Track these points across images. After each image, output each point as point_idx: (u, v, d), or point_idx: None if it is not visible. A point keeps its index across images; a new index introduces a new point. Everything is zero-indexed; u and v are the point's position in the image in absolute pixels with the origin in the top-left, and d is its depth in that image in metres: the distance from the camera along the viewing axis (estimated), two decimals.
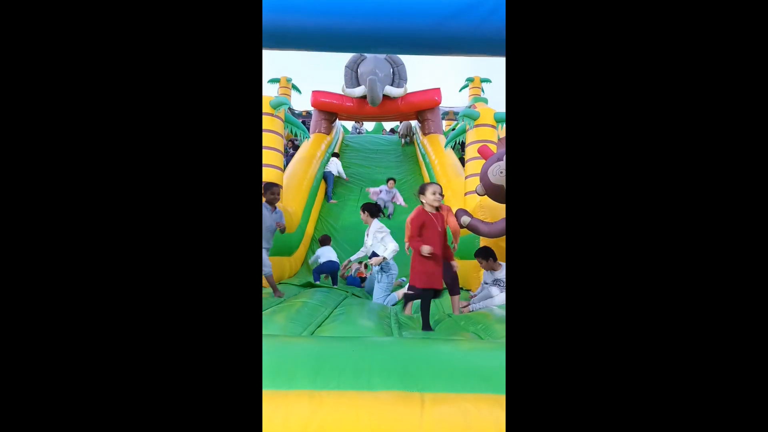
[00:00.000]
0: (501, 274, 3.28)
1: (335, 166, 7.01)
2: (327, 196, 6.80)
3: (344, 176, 7.11)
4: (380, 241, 3.45)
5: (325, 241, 4.75)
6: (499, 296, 3.15)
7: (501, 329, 2.07)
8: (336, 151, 7.78)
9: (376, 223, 3.52)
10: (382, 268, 3.46)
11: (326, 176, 6.90)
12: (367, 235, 3.59)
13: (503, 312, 2.56)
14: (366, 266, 4.46)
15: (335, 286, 4.25)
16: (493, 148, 4.52)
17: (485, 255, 3.30)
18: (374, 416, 1.10)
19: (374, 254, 3.44)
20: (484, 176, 3.26)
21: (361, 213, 3.60)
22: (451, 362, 1.32)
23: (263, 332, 1.76)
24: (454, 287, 3.01)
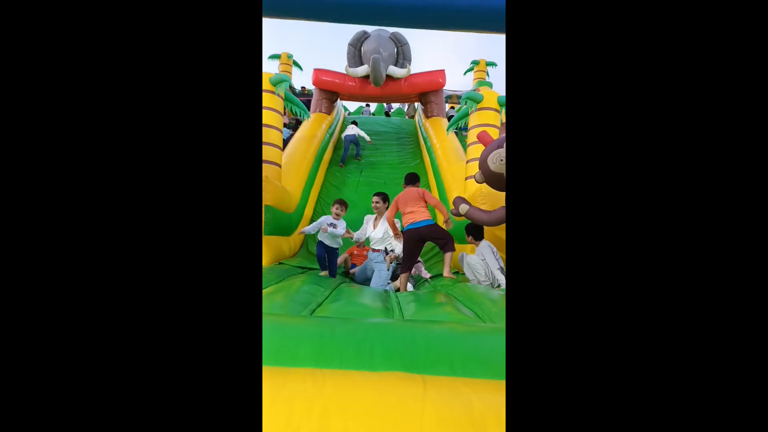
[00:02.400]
0: (472, 254, 3.47)
1: (356, 131, 7.20)
2: (342, 159, 7.03)
3: (368, 138, 7.38)
4: (392, 237, 3.60)
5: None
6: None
7: (498, 311, 2.10)
8: (338, 133, 7.78)
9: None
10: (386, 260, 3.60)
11: (346, 140, 7.08)
12: (368, 223, 3.64)
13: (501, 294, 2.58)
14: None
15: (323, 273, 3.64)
16: (495, 133, 4.46)
17: (470, 232, 3.54)
18: (377, 396, 1.11)
19: (386, 251, 3.61)
20: (483, 163, 3.22)
21: (378, 199, 3.69)
22: (451, 346, 1.34)
23: (263, 311, 1.78)
24: (447, 245, 3.30)
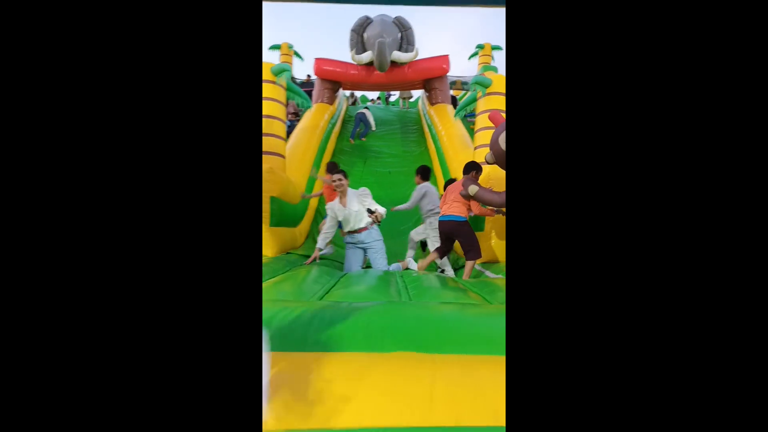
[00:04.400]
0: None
1: (369, 114, 7.54)
2: (351, 134, 7.29)
3: (373, 126, 7.59)
4: (368, 204, 3.28)
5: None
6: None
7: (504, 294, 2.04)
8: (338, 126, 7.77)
9: (354, 191, 3.38)
10: (371, 236, 3.31)
11: (356, 117, 7.36)
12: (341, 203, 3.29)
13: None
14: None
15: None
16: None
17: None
18: (387, 374, 1.12)
19: (369, 211, 3.27)
20: (494, 143, 3.14)
21: (340, 176, 3.33)
22: (460, 326, 1.33)
23: (271, 298, 1.76)
24: (471, 252, 3.08)
